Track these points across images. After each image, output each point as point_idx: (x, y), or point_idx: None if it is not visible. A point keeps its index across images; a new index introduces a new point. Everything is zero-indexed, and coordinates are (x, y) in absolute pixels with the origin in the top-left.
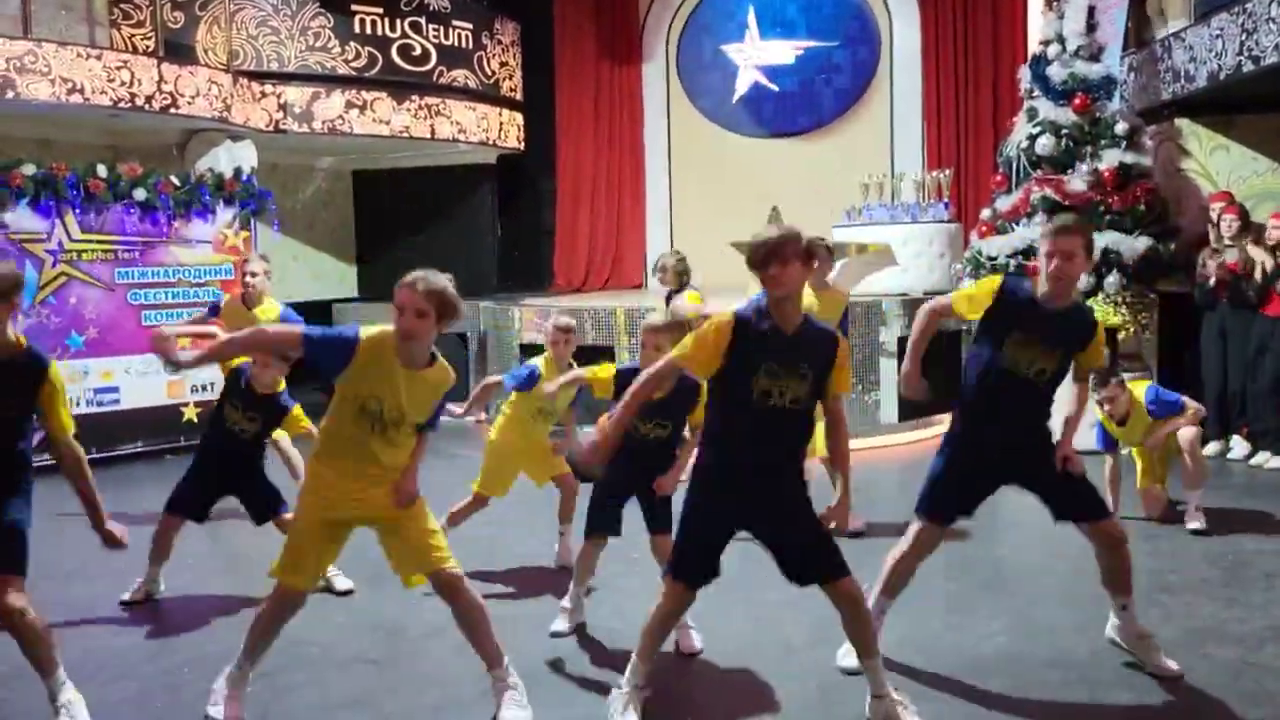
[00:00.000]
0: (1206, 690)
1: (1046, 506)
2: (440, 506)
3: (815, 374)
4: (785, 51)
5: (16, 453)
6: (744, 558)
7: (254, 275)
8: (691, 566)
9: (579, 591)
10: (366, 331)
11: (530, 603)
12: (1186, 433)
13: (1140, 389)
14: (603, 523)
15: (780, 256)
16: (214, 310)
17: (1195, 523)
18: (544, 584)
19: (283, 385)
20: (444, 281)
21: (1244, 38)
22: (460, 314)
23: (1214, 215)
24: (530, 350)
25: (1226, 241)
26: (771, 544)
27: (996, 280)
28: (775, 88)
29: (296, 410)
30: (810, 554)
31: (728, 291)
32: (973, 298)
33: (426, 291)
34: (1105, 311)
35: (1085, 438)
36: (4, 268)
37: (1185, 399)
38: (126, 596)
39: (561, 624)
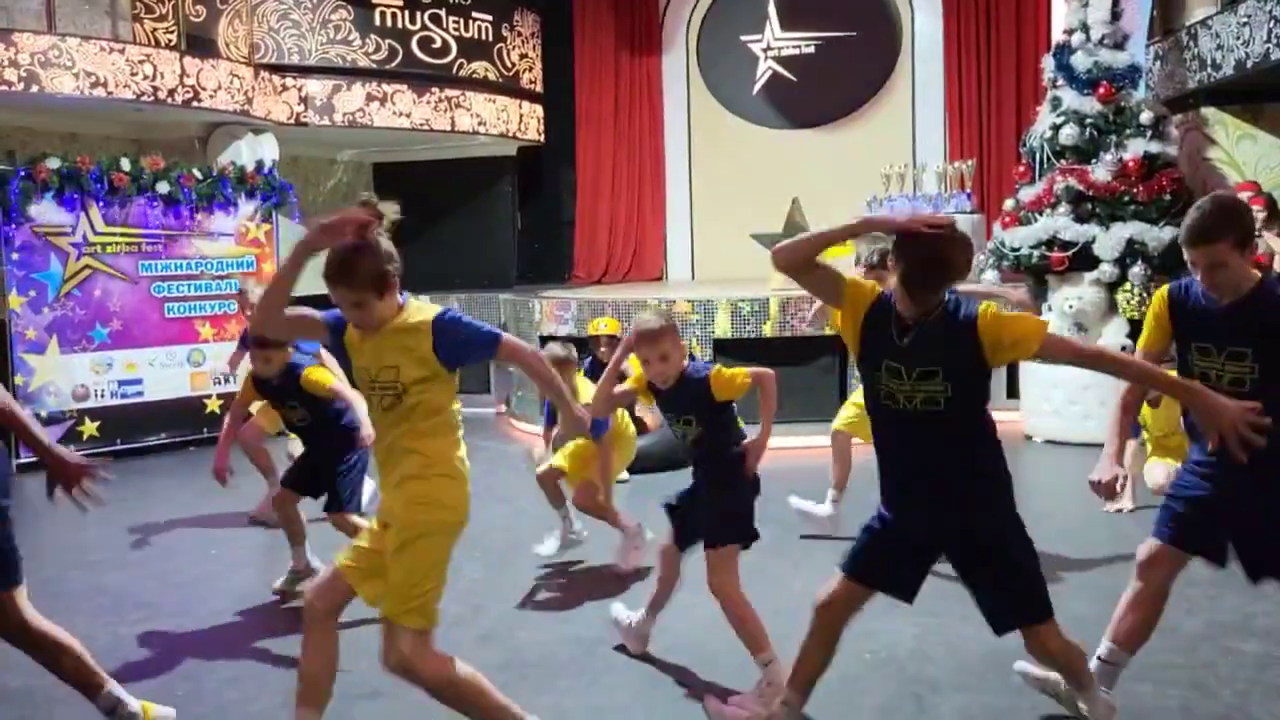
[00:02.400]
0: (1230, 684)
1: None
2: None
3: (951, 370)
4: (806, 42)
5: None
6: (761, 549)
7: (255, 305)
8: (856, 559)
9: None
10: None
11: (550, 596)
12: None
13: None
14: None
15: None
16: (245, 342)
17: None
18: (561, 577)
19: (284, 361)
20: (361, 252)
21: (1272, 25)
22: (392, 261)
23: None
24: (550, 341)
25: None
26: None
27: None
28: (795, 78)
29: (310, 372)
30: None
31: (747, 283)
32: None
33: (349, 285)
34: (1129, 303)
35: (1099, 429)
36: None
37: None
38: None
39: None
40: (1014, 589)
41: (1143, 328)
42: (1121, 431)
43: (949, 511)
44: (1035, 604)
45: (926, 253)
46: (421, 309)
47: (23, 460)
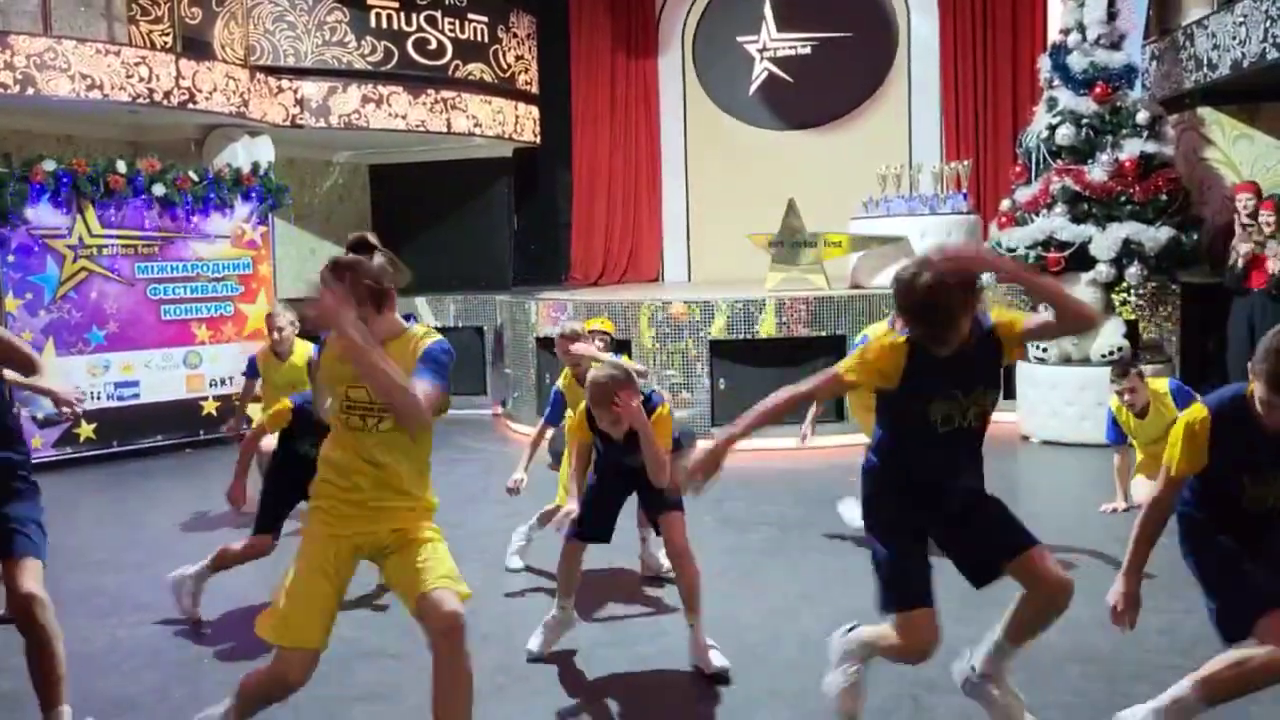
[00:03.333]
0: None
1: None
2: (462, 498)
3: (993, 379)
4: (801, 43)
5: None
6: (758, 551)
7: (281, 330)
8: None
9: (567, 603)
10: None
11: (548, 598)
12: None
13: (1160, 384)
14: (594, 534)
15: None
16: (252, 369)
17: None
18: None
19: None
20: (359, 267)
21: (1268, 25)
22: (388, 276)
23: (1240, 206)
24: (546, 343)
25: (1268, 233)
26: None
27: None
28: (791, 79)
29: None
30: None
31: (744, 284)
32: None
33: (338, 288)
34: (1126, 304)
35: (1096, 429)
36: None
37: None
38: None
39: (536, 642)
40: (1004, 521)
41: (1173, 448)
42: (1140, 551)
43: (967, 483)
44: (1023, 531)
45: (929, 316)
46: (428, 334)
47: None
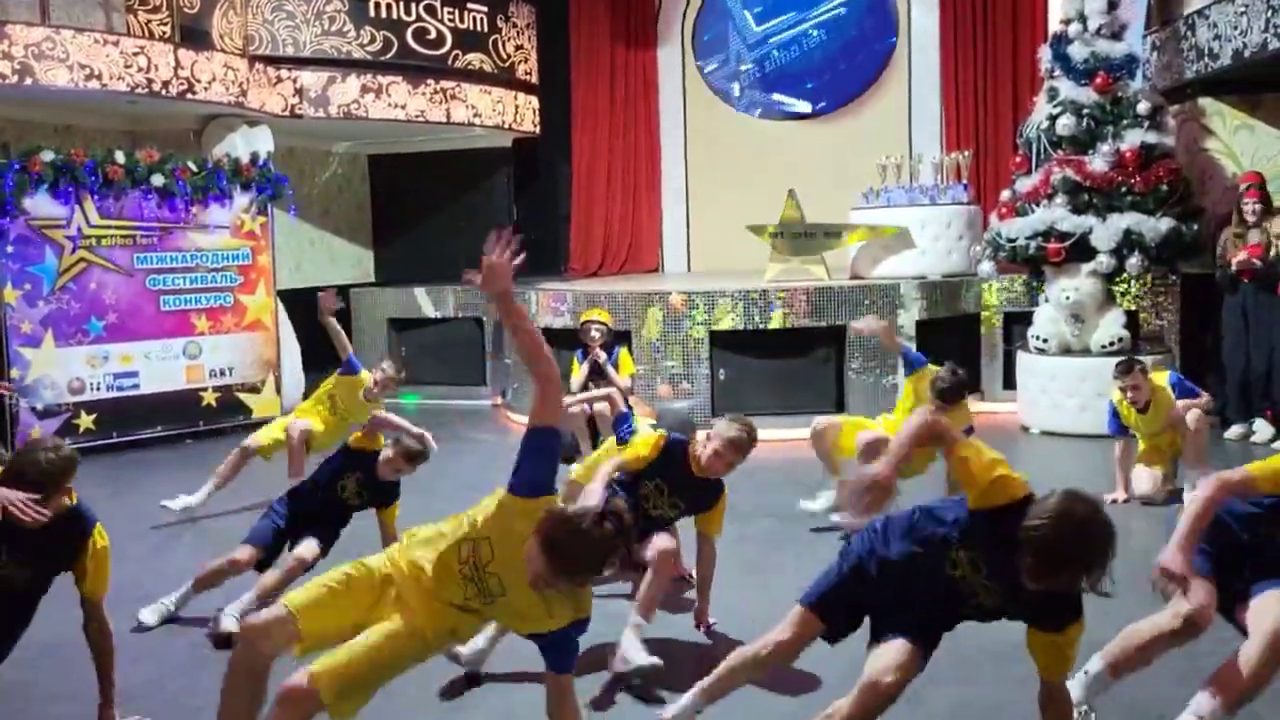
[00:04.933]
0: None
1: None
2: (462, 487)
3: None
4: (802, 33)
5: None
6: (760, 542)
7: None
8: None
9: None
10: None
11: None
12: (1194, 413)
13: (1160, 377)
14: None
15: None
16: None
17: None
18: None
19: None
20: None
21: (1270, 14)
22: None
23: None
24: (545, 334)
25: (1250, 221)
26: None
27: None
28: (792, 70)
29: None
30: None
31: (744, 275)
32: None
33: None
34: (1126, 294)
35: (1096, 420)
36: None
37: (1200, 390)
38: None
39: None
40: None
41: (1266, 467)
42: (1196, 526)
43: None
44: None
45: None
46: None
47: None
